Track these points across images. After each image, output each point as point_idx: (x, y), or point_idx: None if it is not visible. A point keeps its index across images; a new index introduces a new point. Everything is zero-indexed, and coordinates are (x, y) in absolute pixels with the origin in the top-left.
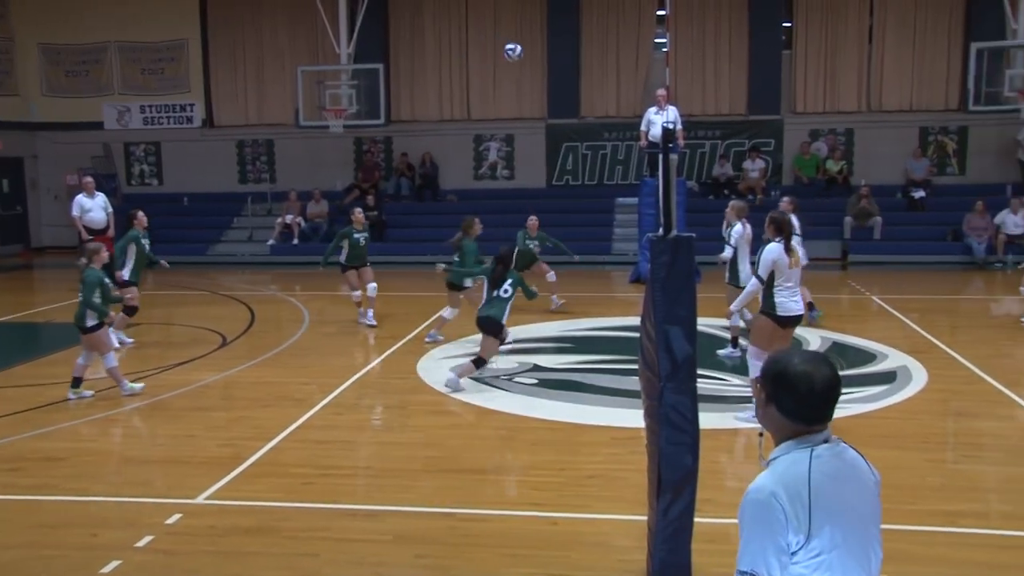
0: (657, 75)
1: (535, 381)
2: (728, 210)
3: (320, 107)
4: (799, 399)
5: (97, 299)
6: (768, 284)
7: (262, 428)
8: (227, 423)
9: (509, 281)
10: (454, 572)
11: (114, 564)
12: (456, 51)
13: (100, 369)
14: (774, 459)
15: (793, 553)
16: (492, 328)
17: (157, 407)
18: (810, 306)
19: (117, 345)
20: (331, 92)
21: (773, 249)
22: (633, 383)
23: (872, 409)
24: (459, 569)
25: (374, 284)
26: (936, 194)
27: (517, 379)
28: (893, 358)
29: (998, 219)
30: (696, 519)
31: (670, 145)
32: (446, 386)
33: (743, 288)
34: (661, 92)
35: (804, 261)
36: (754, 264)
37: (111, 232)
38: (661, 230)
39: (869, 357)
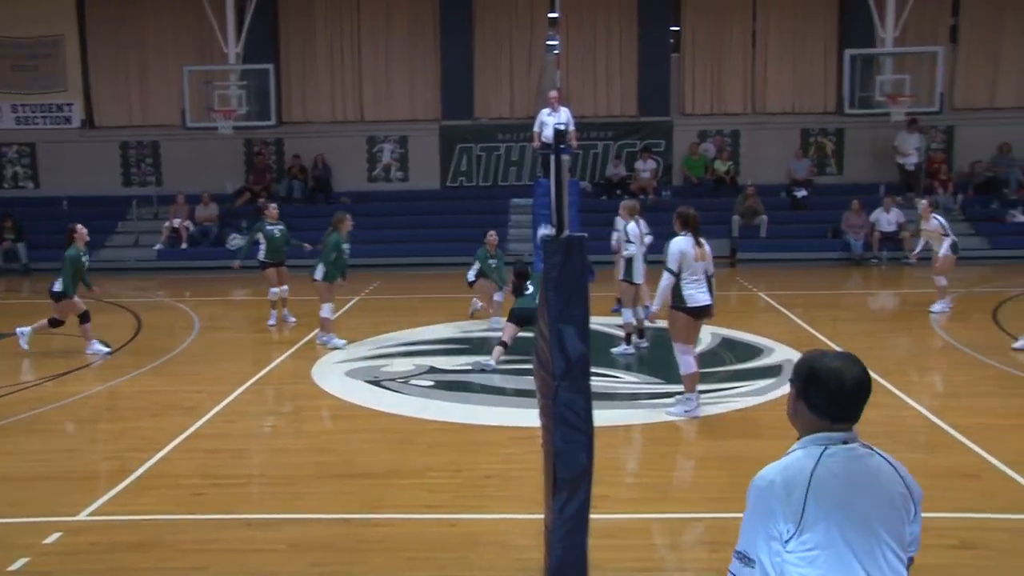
0: (549, 77)
1: (431, 383)
2: (621, 210)
3: (208, 108)
4: (829, 396)
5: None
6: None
7: (149, 439)
8: (112, 435)
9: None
10: None
11: None
12: (348, 51)
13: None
14: (791, 451)
15: (786, 542)
16: (528, 317)
17: (35, 421)
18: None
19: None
20: (219, 92)
21: (679, 241)
22: (528, 382)
23: (760, 402)
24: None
25: (286, 287)
26: (817, 193)
27: (413, 381)
28: (779, 352)
29: (873, 217)
30: (592, 515)
31: (562, 146)
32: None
33: (638, 284)
34: (553, 94)
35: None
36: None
37: None
38: (554, 230)
39: (756, 351)
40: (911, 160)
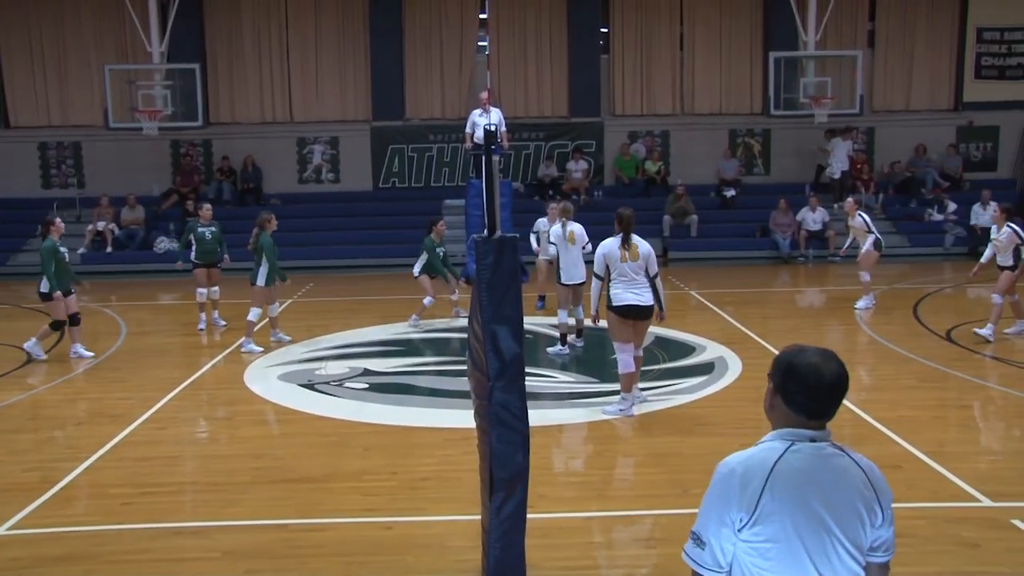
0: (480, 78)
1: (365, 385)
2: (551, 211)
3: (132, 108)
4: (806, 392)
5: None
6: (607, 279)
7: (75, 448)
8: (34, 445)
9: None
10: None
11: None
12: (276, 51)
13: None
14: (760, 442)
15: (739, 530)
16: None
17: None
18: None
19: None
20: (144, 92)
21: (605, 243)
22: (463, 384)
23: (693, 399)
24: None
25: (216, 288)
26: (745, 193)
27: (347, 384)
28: (711, 350)
29: (799, 216)
30: (529, 515)
31: (493, 147)
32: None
33: (568, 285)
34: (484, 95)
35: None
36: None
37: None
38: (486, 231)
39: (689, 350)
40: (839, 167)
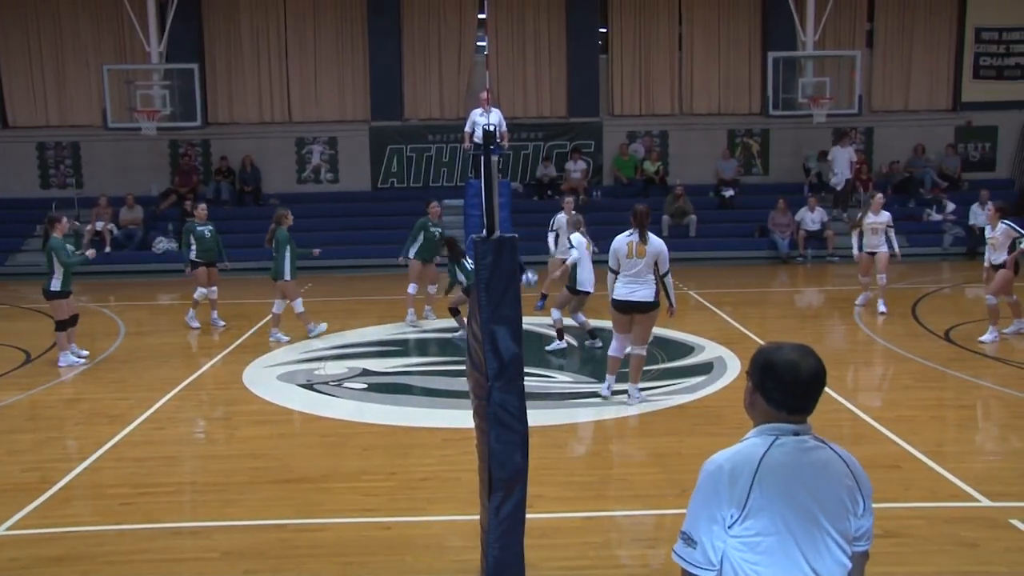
0: (479, 78)
1: (364, 385)
2: (568, 203)
3: (130, 108)
4: (784, 388)
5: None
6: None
7: (74, 449)
8: (33, 445)
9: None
10: None
11: None
12: (275, 51)
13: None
14: (744, 439)
15: (729, 526)
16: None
17: None
18: (542, 296)
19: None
20: (142, 92)
21: (616, 239)
22: (462, 384)
23: (692, 399)
24: None
25: (215, 288)
26: (744, 193)
27: (346, 384)
28: (710, 350)
29: (798, 216)
30: (528, 515)
31: (492, 147)
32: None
33: (580, 293)
34: (484, 94)
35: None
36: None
37: None
38: (484, 231)
39: (688, 350)
40: (843, 177)
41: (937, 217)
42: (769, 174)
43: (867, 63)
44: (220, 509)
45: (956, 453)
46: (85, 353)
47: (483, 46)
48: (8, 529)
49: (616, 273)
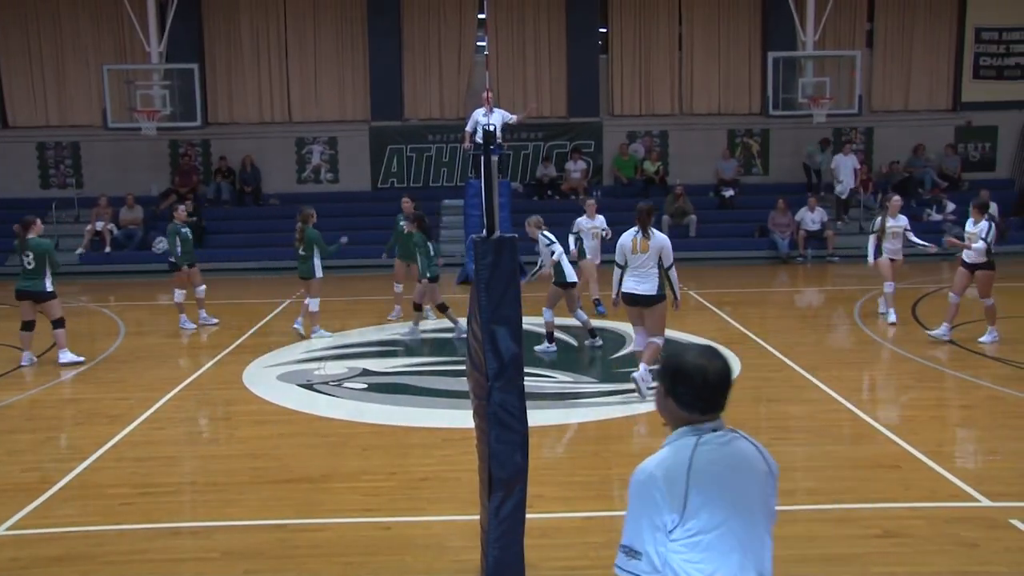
0: (479, 78)
1: (364, 386)
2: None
3: (130, 108)
4: (695, 390)
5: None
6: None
7: (73, 448)
8: (32, 445)
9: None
10: None
11: None
12: (275, 51)
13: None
14: (666, 444)
15: (671, 532)
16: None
17: None
18: (596, 302)
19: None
20: (142, 92)
21: (623, 236)
22: (462, 384)
23: None
24: None
25: (204, 287)
26: (744, 193)
27: (346, 384)
28: None
29: (798, 216)
30: (528, 515)
31: (492, 147)
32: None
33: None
34: (487, 94)
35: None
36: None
37: None
38: (484, 231)
39: None
40: (848, 186)
41: (937, 217)
42: (769, 174)
43: (867, 63)
44: (220, 509)
45: (956, 453)
46: (36, 359)
47: (483, 46)
48: (8, 529)
49: (623, 268)
